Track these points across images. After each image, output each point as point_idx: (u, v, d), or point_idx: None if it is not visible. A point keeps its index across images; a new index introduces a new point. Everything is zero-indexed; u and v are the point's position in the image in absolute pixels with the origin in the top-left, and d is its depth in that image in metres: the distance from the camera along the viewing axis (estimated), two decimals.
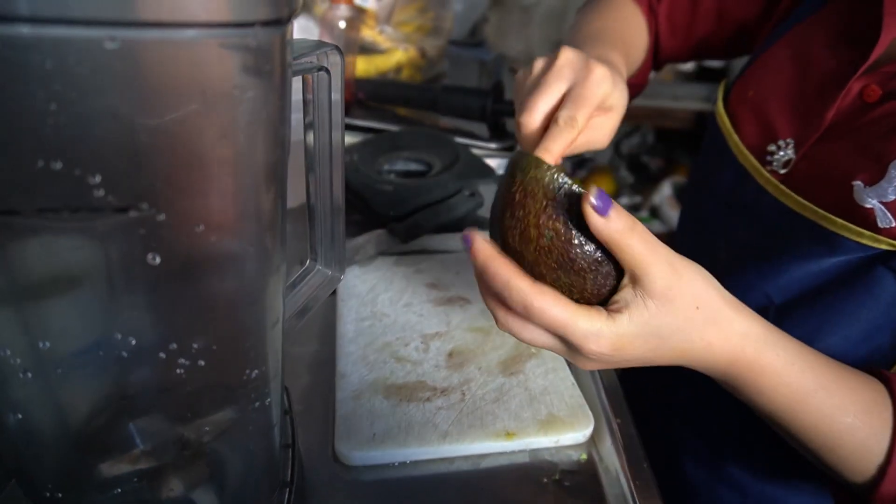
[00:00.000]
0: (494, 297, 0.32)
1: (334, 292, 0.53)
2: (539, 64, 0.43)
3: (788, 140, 0.47)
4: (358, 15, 0.96)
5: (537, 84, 0.41)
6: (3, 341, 0.22)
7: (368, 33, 1.04)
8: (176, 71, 0.19)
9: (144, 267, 0.22)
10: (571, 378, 0.47)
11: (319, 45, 0.32)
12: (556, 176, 0.29)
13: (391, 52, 1.06)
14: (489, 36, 1.75)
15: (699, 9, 0.63)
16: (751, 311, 0.34)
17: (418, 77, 1.10)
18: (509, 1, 1.91)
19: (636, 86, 0.64)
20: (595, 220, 0.28)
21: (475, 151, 0.81)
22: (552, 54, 0.42)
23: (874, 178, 0.39)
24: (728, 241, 0.53)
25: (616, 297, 0.31)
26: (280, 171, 0.24)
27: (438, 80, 1.18)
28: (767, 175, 0.48)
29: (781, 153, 0.47)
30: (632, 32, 0.62)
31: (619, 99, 0.43)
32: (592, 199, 0.27)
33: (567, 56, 0.42)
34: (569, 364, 0.49)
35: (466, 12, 1.57)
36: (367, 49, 1.05)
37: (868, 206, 0.39)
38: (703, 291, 0.31)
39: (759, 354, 0.33)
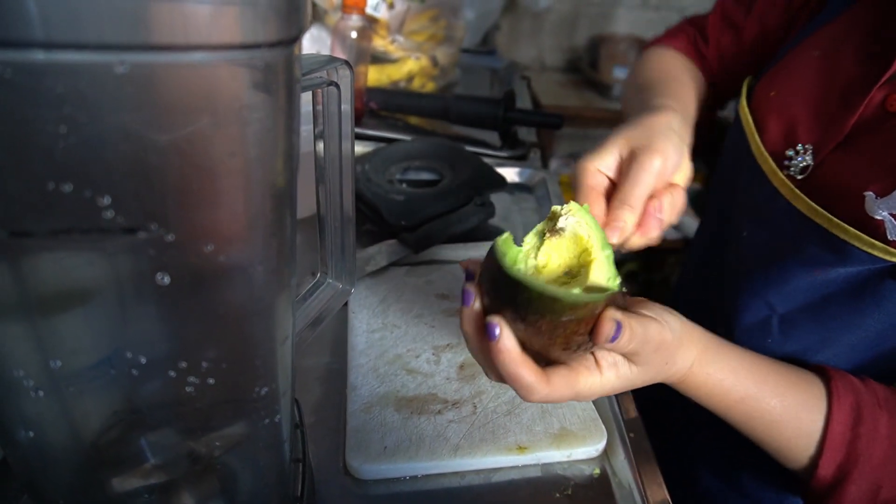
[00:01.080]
0: (493, 368, 0.34)
1: (346, 303, 0.53)
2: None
3: (808, 146, 0.46)
4: (370, 25, 0.97)
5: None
6: (15, 360, 0.23)
7: (380, 43, 1.05)
8: (184, 92, 0.19)
9: (154, 287, 0.22)
10: None
11: (329, 60, 0.32)
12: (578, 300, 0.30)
13: (403, 62, 1.06)
14: (501, 43, 1.75)
15: (743, 35, 0.62)
16: (696, 337, 0.38)
17: (430, 86, 1.11)
18: (521, 9, 1.91)
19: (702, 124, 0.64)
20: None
21: (487, 160, 0.81)
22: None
23: (886, 189, 0.39)
24: (739, 243, 0.52)
25: (608, 360, 0.35)
26: (289, 187, 0.24)
27: (450, 88, 1.18)
28: (783, 178, 0.47)
29: (800, 158, 0.47)
30: (686, 77, 0.62)
31: (681, 173, 0.42)
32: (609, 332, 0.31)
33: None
34: None
35: (478, 20, 1.57)
36: (379, 58, 1.05)
37: (878, 217, 0.39)
38: (664, 341, 0.35)
39: (695, 372, 0.39)
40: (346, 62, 0.33)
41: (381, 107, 0.95)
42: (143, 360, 0.23)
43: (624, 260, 2.24)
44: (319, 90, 0.33)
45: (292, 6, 0.20)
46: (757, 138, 0.51)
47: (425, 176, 0.79)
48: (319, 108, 0.34)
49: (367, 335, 0.51)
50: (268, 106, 0.21)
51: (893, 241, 0.38)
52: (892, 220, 0.38)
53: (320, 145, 0.36)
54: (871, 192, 0.39)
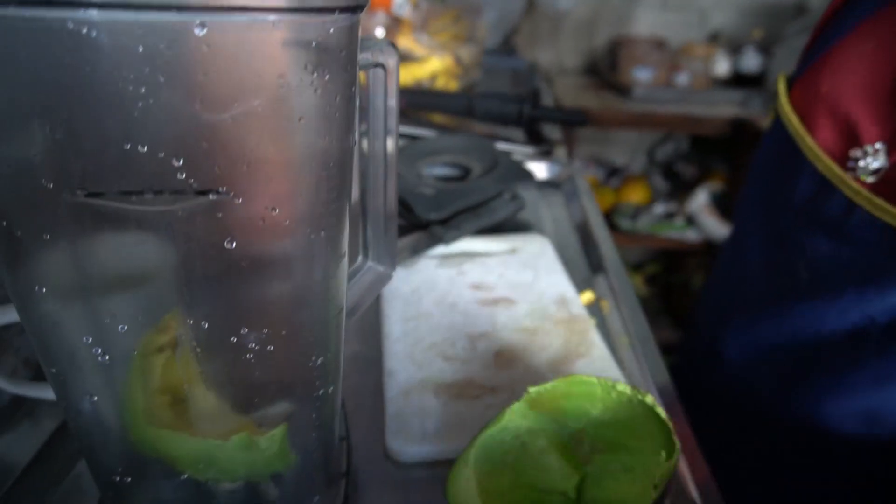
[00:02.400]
0: None
1: (378, 295, 0.54)
2: None
3: (878, 145, 0.42)
4: (395, 24, 0.98)
5: None
6: (83, 325, 0.23)
7: (404, 42, 1.06)
8: (257, 57, 0.19)
9: (221, 251, 0.22)
10: (622, 378, 0.46)
11: (375, 41, 0.33)
12: None
13: (427, 60, 1.07)
14: (520, 46, 1.76)
15: None
16: None
17: (453, 85, 1.11)
18: (540, 11, 1.92)
19: None
20: None
21: (515, 156, 0.81)
22: None
23: None
24: (810, 259, 0.48)
25: None
26: (349, 155, 0.24)
27: (473, 88, 1.18)
28: (856, 186, 0.43)
29: (869, 159, 0.43)
30: None
31: None
32: None
33: None
34: (618, 364, 0.48)
35: (499, 22, 1.58)
36: (404, 57, 1.06)
37: None
38: None
39: None
40: (392, 43, 0.33)
41: (406, 105, 0.96)
42: (206, 326, 0.24)
43: (644, 262, 2.22)
44: (366, 71, 0.33)
45: None
46: (809, 140, 0.47)
47: (453, 171, 0.79)
48: (368, 93, 0.35)
49: (403, 324, 0.51)
50: (334, 72, 0.21)
51: None
52: None
53: (365, 126, 0.36)
54: None
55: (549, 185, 0.83)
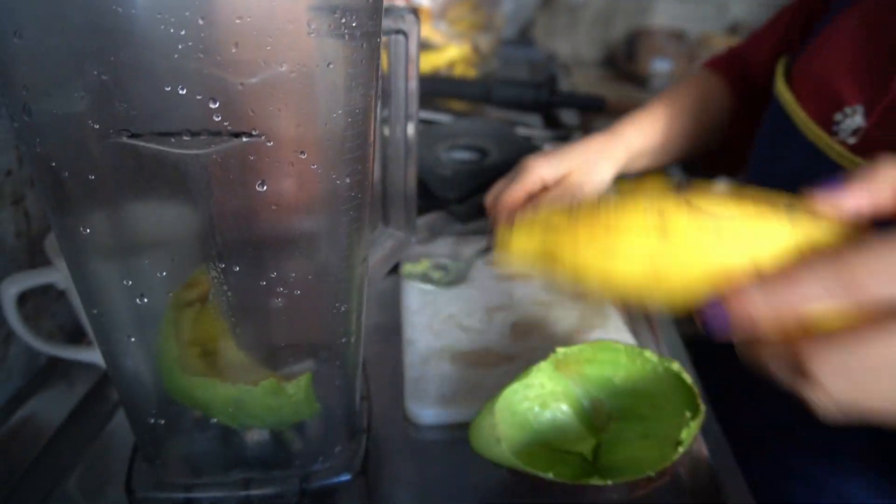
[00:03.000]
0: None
1: (396, 267, 0.55)
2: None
3: (856, 107, 0.45)
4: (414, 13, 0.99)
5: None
6: (124, 267, 0.24)
7: (423, 30, 1.07)
8: (290, 16, 0.20)
9: (252, 193, 0.23)
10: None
11: (395, 9, 0.34)
12: None
13: (445, 49, 1.08)
14: (538, 38, 1.76)
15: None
16: None
17: (471, 73, 1.12)
18: (557, 2, 1.92)
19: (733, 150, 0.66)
20: None
21: (532, 141, 0.82)
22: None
23: None
24: None
25: None
26: (372, 111, 0.25)
27: (490, 76, 1.19)
28: (839, 148, 0.46)
29: (849, 121, 0.45)
30: (678, 99, 0.65)
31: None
32: None
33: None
34: (633, 333, 0.48)
35: (516, 13, 1.58)
36: (422, 45, 1.07)
37: None
38: None
39: None
40: (413, 10, 0.34)
41: (426, 92, 0.97)
42: (237, 269, 0.25)
43: None
44: (387, 37, 0.34)
45: None
46: (802, 113, 0.50)
47: (471, 154, 0.80)
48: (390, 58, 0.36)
49: (421, 296, 0.52)
50: (360, 17, 0.22)
51: None
52: None
53: (385, 132, 0.37)
54: None
55: None
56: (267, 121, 0.22)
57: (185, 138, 0.22)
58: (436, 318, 0.50)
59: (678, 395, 0.36)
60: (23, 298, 0.39)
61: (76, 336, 0.47)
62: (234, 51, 0.20)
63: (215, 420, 0.29)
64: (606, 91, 1.74)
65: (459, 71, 1.09)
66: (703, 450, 0.39)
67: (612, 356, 0.38)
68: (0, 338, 0.40)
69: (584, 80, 1.82)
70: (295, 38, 0.21)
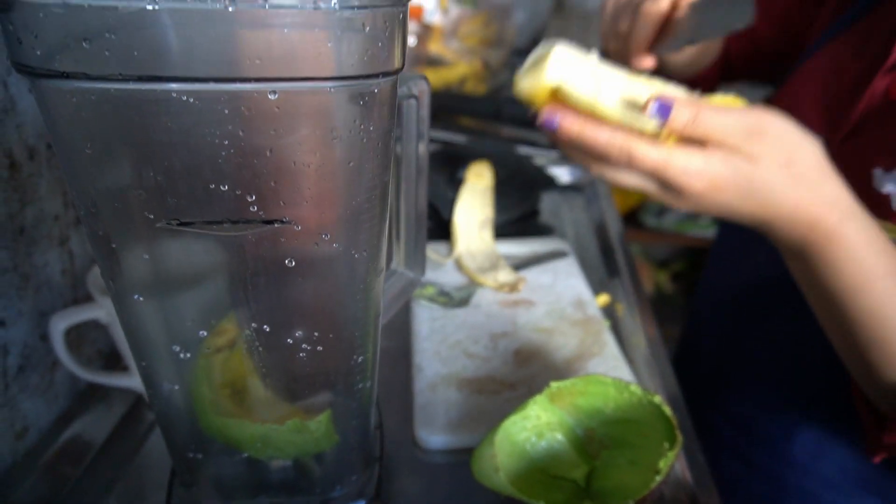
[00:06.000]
0: (588, 154, 0.37)
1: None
2: None
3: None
4: (426, 31, 1.02)
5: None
6: (169, 329, 0.28)
7: (435, 47, 1.10)
8: (316, 115, 0.24)
9: (282, 268, 0.27)
10: (631, 376, 0.50)
11: (410, 76, 0.37)
12: None
13: (456, 65, 1.11)
14: None
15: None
16: (840, 181, 0.34)
17: (482, 87, 1.15)
18: (570, 9, 1.93)
19: (709, 79, 0.68)
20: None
21: (537, 160, 0.85)
22: None
23: (893, 165, 0.41)
24: (768, 244, 0.54)
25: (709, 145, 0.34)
26: (388, 187, 0.29)
27: (501, 89, 1.22)
28: None
29: None
30: None
31: None
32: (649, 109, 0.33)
33: None
34: (629, 363, 0.52)
35: (528, 22, 1.61)
36: (434, 62, 1.10)
37: (885, 192, 0.40)
38: (795, 151, 0.32)
39: (841, 224, 0.33)
40: (424, 77, 0.38)
41: (437, 109, 1.00)
42: (267, 329, 0.28)
43: (670, 259, 2.23)
44: (402, 102, 0.38)
45: (402, 46, 0.24)
46: None
47: None
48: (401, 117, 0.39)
49: (430, 322, 0.56)
50: (377, 120, 0.26)
51: None
52: None
53: (398, 148, 0.40)
54: (878, 169, 0.41)
55: (572, 188, 0.87)
56: (295, 210, 0.25)
57: (226, 225, 0.25)
58: (443, 344, 0.53)
59: (660, 424, 0.39)
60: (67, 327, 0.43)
61: (113, 359, 0.51)
62: (268, 154, 0.24)
63: (245, 454, 0.33)
64: None
65: (470, 87, 1.12)
66: (688, 477, 0.42)
67: (601, 389, 0.41)
68: (48, 365, 0.44)
69: None
70: (320, 144, 0.24)
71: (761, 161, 0.32)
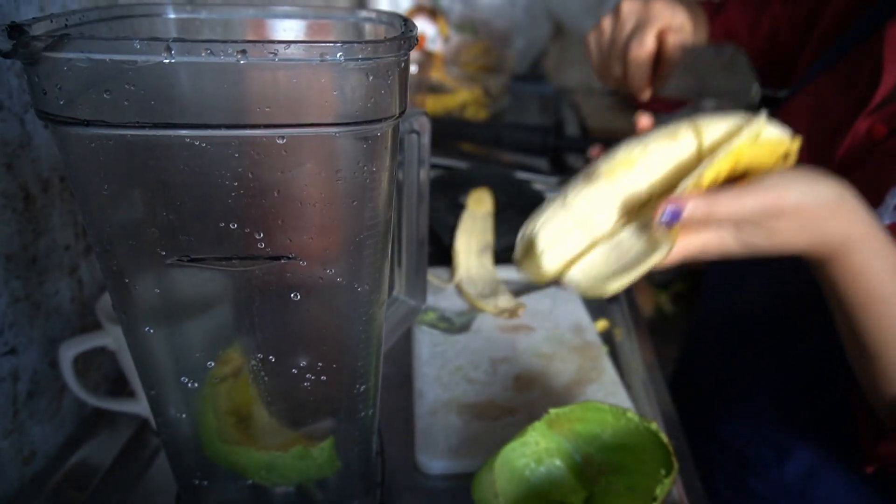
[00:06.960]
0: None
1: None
2: (607, 22, 0.57)
3: None
4: (427, 58, 1.04)
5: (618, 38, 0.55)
6: (179, 359, 0.29)
7: (436, 74, 1.12)
8: (322, 156, 0.25)
9: (288, 301, 0.28)
10: (629, 402, 0.51)
11: (412, 112, 0.38)
12: None
13: (457, 92, 1.13)
14: (549, 69, 1.81)
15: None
16: (861, 203, 0.37)
17: (482, 113, 1.17)
18: (568, 34, 1.96)
19: None
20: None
21: (536, 185, 0.86)
22: (614, 10, 0.56)
23: (873, 205, 0.42)
24: (759, 272, 0.56)
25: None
26: (390, 222, 0.30)
27: (501, 114, 1.24)
28: None
29: None
30: None
31: (684, 20, 0.56)
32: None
33: (627, 6, 0.55)
34: (626, 388, 0.52)
35: (527, 48, 1.64)
36: (435, 88, 1.13)
37: None
38: (814, 217, 0.35)
39: (872, 235, 0.36)
40: (425, 112, 0.39)
41: (438, 135, 1.02)
42: (273, 359, 0.29)
43: (670, 281, 2.23)
44: (404, 136, 0.39)
45: (403, 91, 0.26)
46: None
47: None
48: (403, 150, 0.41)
49: (431, 348, 0.57)
50: (379, 160, 0.27)
51: None
52: None
53: (399, 177, 0.42)
54: None
55: None
56: (300, 246, 0.27)
57: (235, 261, 0.26)
58: (444, 369, 0.54)
59: (657, 450, 0.40)
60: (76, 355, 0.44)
61: (119, 384, 0.51)
62: (276, 195, 0.25)
63: (250, 481, 0.34)
64: (617, 121, 1.78)
65: (471, 113, 1.14)
66: (685, 501, 0.43)
67: (599, 415, 0.42)
68: (56, 390, 0.45)
69: (594, 111, 1.86)
70: (325, 184, 0.26)
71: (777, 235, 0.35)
